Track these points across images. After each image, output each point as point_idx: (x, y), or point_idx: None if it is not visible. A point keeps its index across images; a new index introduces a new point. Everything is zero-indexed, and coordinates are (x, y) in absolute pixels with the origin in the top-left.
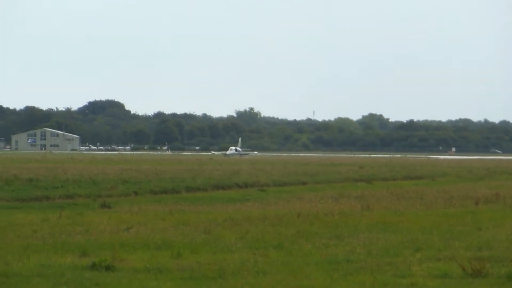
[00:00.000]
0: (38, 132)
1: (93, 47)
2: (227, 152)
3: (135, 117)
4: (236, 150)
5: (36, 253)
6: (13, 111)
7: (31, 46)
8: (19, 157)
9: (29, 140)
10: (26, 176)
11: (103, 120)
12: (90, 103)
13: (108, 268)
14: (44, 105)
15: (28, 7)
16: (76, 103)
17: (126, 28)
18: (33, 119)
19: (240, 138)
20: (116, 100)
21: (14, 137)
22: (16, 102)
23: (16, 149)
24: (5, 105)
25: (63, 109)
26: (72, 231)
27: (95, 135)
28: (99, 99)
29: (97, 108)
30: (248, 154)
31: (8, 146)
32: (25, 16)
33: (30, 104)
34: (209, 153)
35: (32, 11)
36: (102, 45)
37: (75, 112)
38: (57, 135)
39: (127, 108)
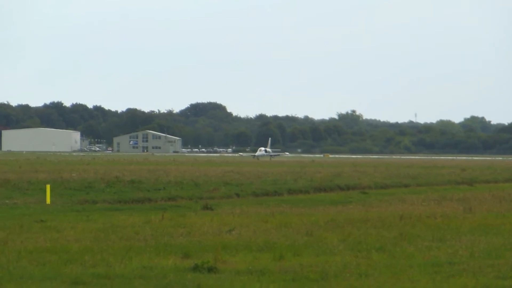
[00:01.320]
0: (140, 134)
1: (194, 51)
2: (256, 153)
3: (237, 119)
4: (265, 151)
5: (138, 255)
6: (115, 113)
7: (134, 52)
8: (121, 159)
9: (131, 142)
10: (128, 178)
11: (205, 122)
12: (192, 105)
13: (210, 269)
14: (146, 108)
15: (130, 21)
16: (178, 106)
17: (227, 33)
18: (135, 121)
19: (270, 139)
20: (218, 102)
21: (116, 139)
22: (118, 104)
23: (118, 151)
24: (107, 108)
25: (165, 112)
26: (174, 232)
27: (197, 137)
28: (201, 102)
29: (199, 110)
30: (278, 155)
31: (110, 148)
32: (129, 27)
33: (132, 106)
34: (310, 155)
35: (133, 22)
36: (203, 49)
37: (177, 114)
38: (159, 137)
39: (229, 110)
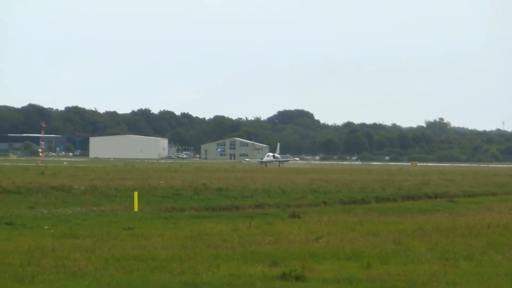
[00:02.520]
0: (227, 141)
1: (281, 58)
2: (264, 159)
3: (324, 127)
4: (274, 156)
5: (226, 263)
6: (203, 120)
7: (221, 59)
8: (209, 166)
9: (218, 150)
10: (216, 186)
11: (292, 130)
12: (279, 112)
13: (298, 278)
14: (233, 115)
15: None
16: (265, 113)
17: (317, 40)
18: (222, 128)
19: (278, 144)
20: (305, 109)
21: (203, 146)
22: (206, 112)
23: (206, 158)
24: (195, 115)
25: (253, 119)
26: (262, 240)
27: (284, 144)
28: (288, 109)
29: (286, 118)
30: (287, 161)
31: (197, 155)
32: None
33: (219, 114)
34: (398, 163)
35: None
36: (291, 56)
37: (264, 121)
38: (247, 144)
39: (316, 117)
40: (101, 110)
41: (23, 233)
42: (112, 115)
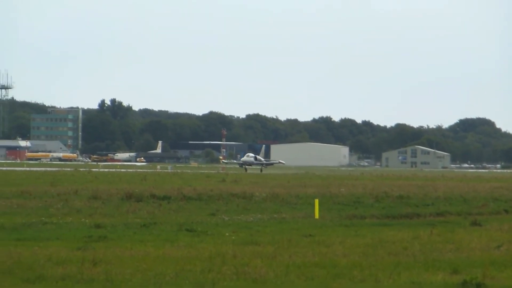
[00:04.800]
0: (408, 149)
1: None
2: (243, 158)
3: (506, 135)
4: (255, 158)
5: (407, 270)
6: (384, 128)
7: (402, 69)
8: (390, 174)
9: (400, 158)
10: (397, 193)
11: (473, 138)
12: (460, 120)
13: (478, 285)
14: (414, 123)
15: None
16: (447, 121)
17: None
18: (403, 136)
19: (263, 146)
20: (487, 118)
21: (384, 154)
22: (386, 120)
23: (387, 166)
24: (376, 123)
25: (434, 127)
26: (443, 248)
27: (466, 153)
28: (470, 117)
29: (467, 126)
30: (272, 164)
31: (378, 163)
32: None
33: (400, 121)
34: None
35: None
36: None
37: (446, 129)
38: (428, 152)
39: (497, 126)
40: (282, 118)
41: (204, 240)
42: (293, 123)
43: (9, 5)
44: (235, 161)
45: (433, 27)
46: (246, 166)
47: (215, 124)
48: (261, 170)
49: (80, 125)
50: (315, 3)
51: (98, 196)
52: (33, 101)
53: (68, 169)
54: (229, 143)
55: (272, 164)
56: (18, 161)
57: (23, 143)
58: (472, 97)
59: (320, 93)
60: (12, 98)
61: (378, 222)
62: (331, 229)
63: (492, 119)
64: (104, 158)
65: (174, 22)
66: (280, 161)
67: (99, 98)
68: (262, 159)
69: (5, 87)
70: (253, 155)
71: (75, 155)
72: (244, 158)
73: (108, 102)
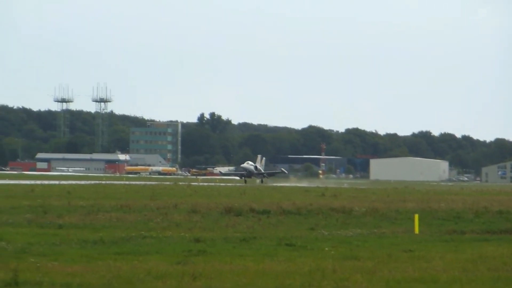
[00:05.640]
0: (508, 164)
1: None
2: (243, 165)
3: None
4: (256, 168)
5: (507, 286)
6: (484, 143)
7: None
8: (489, 189)
9: (499, 172)
10: (497, 208)
11: None
12: None
13: None
14: None
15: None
16: None
17: None
18: (503, 151)
19: (259, 156)
20: None
21: (484, 169)
22: (486, 134)
23: (486, 181)
24: (475, 137)
25: None
26: None
27: None
28: None
29: None
30: (274, 175)
31: (478, 178)
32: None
33: (500, 136)
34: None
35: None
36: None
37: None
38: None
39: None
40: (382, 132)
41: (303, 255)
42: (392, 137)
43: (109, 22)
44: (234, 171)
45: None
46: (246, 178)
47: (314, 138)
48: (261, 181)
49: (179, 138)
50: (431, 16)
51: (197, 210)
52: (132, 115)
53: (168, 183)
54: (328, 157)
55: (274, 174)
56: (117, 174)
57: (122, 156)
58: None
59: (420, 107)
60: (111, 111)
61: (478, 237)
62: (431, 244)
63: None
64: (203, 172)
65: (277, 36)
66: (282, 169)
67: (198, 111)
68: (262, 169)
69: (104, 101)
70: (253, 164)
71: (174, 169)
72: (244, 165)
73: (207, 115)
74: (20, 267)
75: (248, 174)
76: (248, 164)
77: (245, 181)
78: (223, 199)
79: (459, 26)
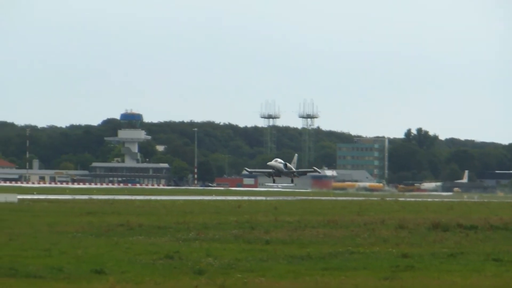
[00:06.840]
0: None
1: None
2: (270, 163)
3: None
4: (285, 166)
5: None
6: None
7: None
8: None
9: None
10: None
11: None
12: None
13: None
14: None
15: None
16: None
17: None
18: None
19: (296, 155)
20: None
21: None
22: None
23: None
24: None
25: None
26: None
27: None
28: None
29: None
30: (305, 174)
31: None
32: None
33: None
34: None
35: None
36: None
37: None
38: None
39: None
40: None
41: (511, 270)
42: None
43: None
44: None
45: None
46: (275, 176)
47: None
48: (292, 181)
49: (386, 154)
50: None
51: (404, 225)
52: (338, 130)
53: (374, 198)
54: None
55: (305, 173)
56: (325, 190)
57: (329, 172)
58: None
59: None
60: (318, 127)
61: None
62: None
63: None
64: (411, 188)
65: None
66: (315, 168)
67: (405, 127)
68: (293, 168)
69: (311, 117)
70: (284, 162)
71: (381, 184)
72: (272, 163)
73: (414, 131)
74: (227, 283)
75: (277, 173)
76: (277, 162)
77: (274, 180)
78: (431, 214)
79: None
